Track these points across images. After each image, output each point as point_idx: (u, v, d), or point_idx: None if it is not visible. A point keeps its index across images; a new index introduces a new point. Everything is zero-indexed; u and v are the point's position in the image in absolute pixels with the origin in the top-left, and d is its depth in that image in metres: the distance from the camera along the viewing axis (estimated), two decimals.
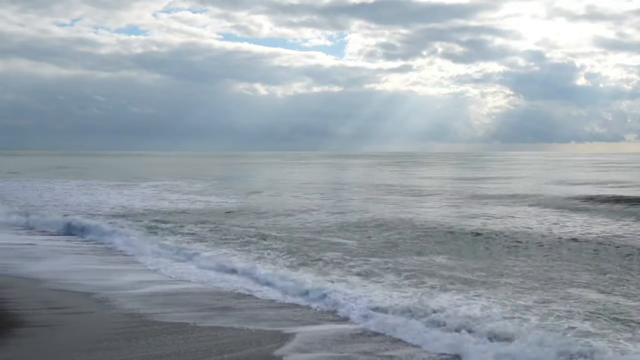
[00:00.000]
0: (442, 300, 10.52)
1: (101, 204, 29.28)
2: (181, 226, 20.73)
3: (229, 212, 25.63)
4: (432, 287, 11.62)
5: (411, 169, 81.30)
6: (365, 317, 9.71)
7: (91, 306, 10.53)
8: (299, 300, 10.94)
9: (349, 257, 14.81)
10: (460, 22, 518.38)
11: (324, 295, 10.87)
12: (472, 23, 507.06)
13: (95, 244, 17.69)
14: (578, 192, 32.79)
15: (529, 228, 20.03)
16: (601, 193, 31.30)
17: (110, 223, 20.82)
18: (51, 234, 19.41)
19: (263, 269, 13.24)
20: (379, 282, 12.22)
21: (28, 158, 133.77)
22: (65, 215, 22.63)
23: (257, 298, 11.28)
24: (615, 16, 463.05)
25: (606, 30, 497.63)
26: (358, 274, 12.94)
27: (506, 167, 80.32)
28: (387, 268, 13.53)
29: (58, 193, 35.90)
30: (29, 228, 20.57)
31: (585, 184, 42.16)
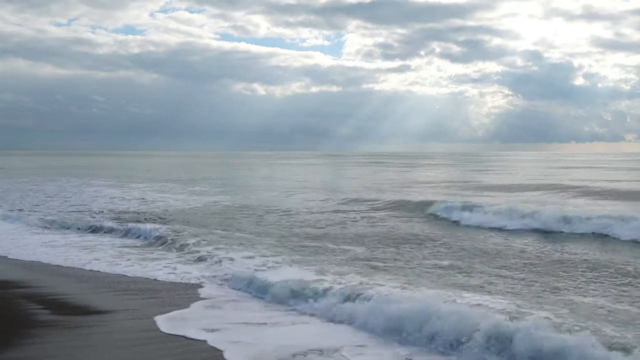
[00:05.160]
0: None
1: None
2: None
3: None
4: None
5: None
6: None
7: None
8: None
9: None
10: (458, 22, 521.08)
11: None
12: (470, 23, 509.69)
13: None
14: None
15: None
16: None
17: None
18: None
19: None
20: None
21: None
22: None
23: None
24: (613, 16, 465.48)
25: (603, 30, 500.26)
26: None
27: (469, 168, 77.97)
28: None
29: None
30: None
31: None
